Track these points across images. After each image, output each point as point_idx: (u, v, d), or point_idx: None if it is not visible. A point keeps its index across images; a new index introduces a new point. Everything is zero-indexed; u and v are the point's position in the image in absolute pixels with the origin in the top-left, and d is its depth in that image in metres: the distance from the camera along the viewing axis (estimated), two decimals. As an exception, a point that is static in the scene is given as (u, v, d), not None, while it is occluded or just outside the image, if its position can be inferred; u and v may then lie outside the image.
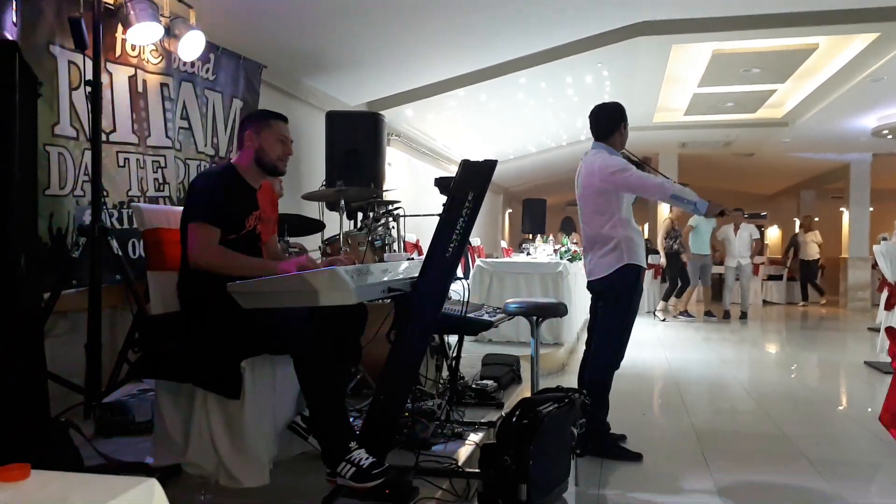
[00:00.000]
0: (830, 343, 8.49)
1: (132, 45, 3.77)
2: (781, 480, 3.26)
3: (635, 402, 4.90)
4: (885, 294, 6.73)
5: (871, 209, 13.19)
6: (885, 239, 7.10)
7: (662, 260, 9.59)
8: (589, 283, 3.64)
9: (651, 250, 11.89)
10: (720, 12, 6.21)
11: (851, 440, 4.05)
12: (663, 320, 9.75)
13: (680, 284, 9.84)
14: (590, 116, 3.71)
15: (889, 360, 1.87)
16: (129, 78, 3.79)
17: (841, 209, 14.22)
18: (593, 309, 3.78)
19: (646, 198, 3.74)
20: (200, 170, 4.33)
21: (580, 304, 8.15)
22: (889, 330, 1.88)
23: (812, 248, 12.93)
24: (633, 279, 3.50)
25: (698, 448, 3.74)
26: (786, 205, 19.04)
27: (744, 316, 10.22)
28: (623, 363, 3.78)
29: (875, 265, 9.16)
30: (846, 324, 10.37)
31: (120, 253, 3.26)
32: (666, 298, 10.04)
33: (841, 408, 5.03)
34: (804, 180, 16.57)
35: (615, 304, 3.52)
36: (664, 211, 11.87)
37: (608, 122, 3.64)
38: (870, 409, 4.60)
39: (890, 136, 10.40)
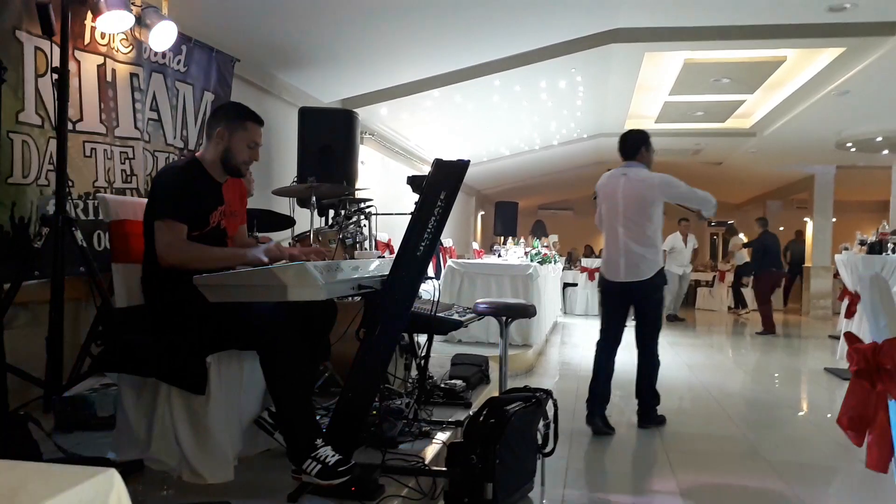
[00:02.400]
0: (792, 350, 8.67)
1: (102, 33, 3.69)
2: (743, 482, 3.32)
3: (602, 405, 4.94)
4: (845, 302, 6.89)
5: (834, 220, 13.50)
6: (846, 249, 7.26)
7: None
8: (634, 283, 4.10)
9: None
10: (693, 22, 6.31)
11: (811, 444, 4.14)
12: None
13: None
14: (619, 141, 4.33)
15: (848, 366, 1.92)
16: (98, 66, 3.72)
17: (805, 219, 14.54)
18: (618, 309, 4.24)
19: (687, 206, 4.38)
20: (169, 162, 4.27)
21: (549, 306, 8.21)
22: (848, 335, 1.93)
23: (738, 254, 12.88)
24: (665, 278, 4.27)
25: (662, 450, 3.79)
26: (752, 214, 19.37)
27: (675, 318, 10.74)
28: (590, 366, 4.02)
29: (837, 274, 9.39)
30: (808, 331, 10.60)
31: (84, 244, 3.18)
32: None
33: (801, 413, 5.14)
34: (770, 190, 16.91)
35: (655, 298, 4.20)
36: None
37: (633, 143, 4.23)
38: (829, 415, 4.71)
39: (853, 149, 10.66)
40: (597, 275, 11.44)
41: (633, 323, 4.33)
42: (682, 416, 4.76)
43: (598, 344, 4.26)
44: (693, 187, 4.20)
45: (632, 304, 4.22)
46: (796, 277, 13.74)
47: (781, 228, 17.16)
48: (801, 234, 14.37)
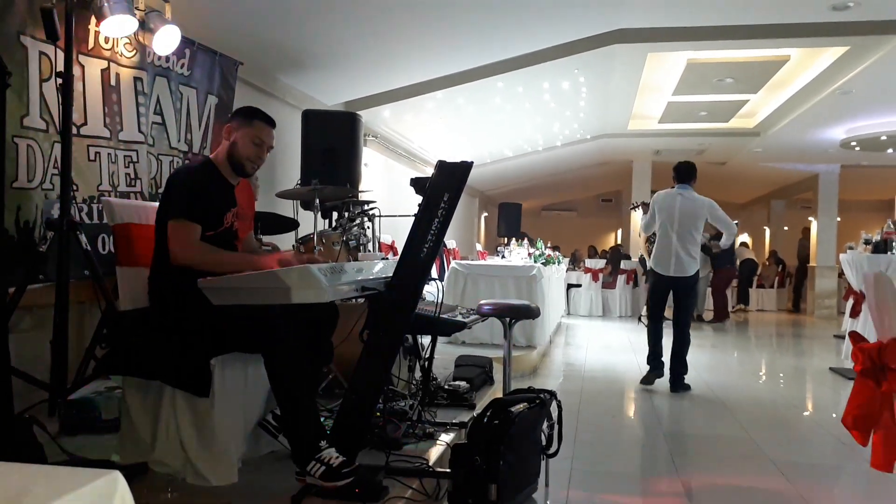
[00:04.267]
0: (797, 350, 8.64)
1: (106, 37, 3.71)
2: (747, 483, 3.31)
3: (606, 405, 4.95)
4: (850, 302, 6.87)
5: (839, 219, 13.45)
6: (851, 248, 7.23)
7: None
8: (678, 277, 5.35)
9: (624, 255, 12.01)
10: (695, 22, 6.30)
11: (816, 444, 4.13)
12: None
13: None
14: (675, 168, 5.63)
15: (853, 366, 1.92)
16: (102, 71, 3.73)
17: (809, 219, 14.51)
18: (664, 298, 5.53)
19: (718, 226, 5.64)
20: (173, 166, 4.28)
21: (553, 307, 8.20)
22: (853, 334, 1.93)
23: (742, 252, 12.93)
24: (698, 276, 5.62)
25: (667, 450, 3.79)
26: (757, 214, 19.37)
27: (699, 318, 10.64)
28: (595, 367, 4.04)
29: (842, 274, 9.36)
30: (813, 331, 10.57)
31: (89, 248, 3.19)
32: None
33: (806, 412, 5.12)
34: (775, 190, 16.87)
35: (692, 291, 5.52)
36: (636, 218, 12.07)
37: (687, 171, 5.55)
38: (834, 415, 4.70)
39: (858, 148, 10.63)
40: (600, 276, 11.58)
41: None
42: (687, 416, 4.75)
43: (649, 324, 5.60)
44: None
45: (673, 293, 5.43)
46: (804, 276, 13.73)
47: (786, 228, 17.12)
48: (806, 231, 14.36)
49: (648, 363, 5.58)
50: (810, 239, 13.94)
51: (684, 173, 5.56)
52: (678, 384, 5.32)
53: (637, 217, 11.23)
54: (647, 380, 5.43)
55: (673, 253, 5.34)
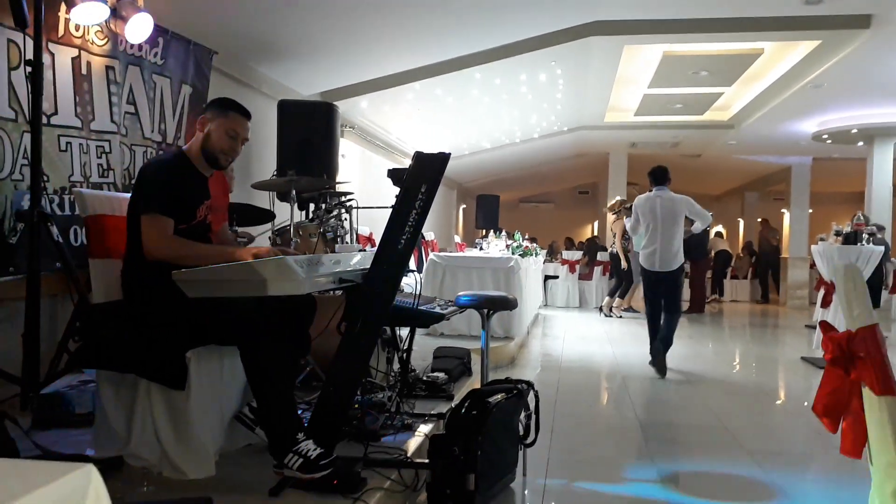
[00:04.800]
0: (770, 339, 8.78)
1: (76, 25, 3.64)
2: (721, 470, 3.37)
3: (583, 395, 4.99)
4: (822, 292, 6.99)
5: (811, 211, 13.66)
6: (822, 239, 7.35)
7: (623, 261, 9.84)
8: (663, 272, 5.77)
9: (600, 247, 12.10)
10: (671, 15, 6.35)
11: (788, 431, 4.21)
12: (608, 316, 9.94)
13: (625, 283, 10.05)
14: (650, 174, 6.02)
15: (823, 355, 1.95)
16: (73, 59, 3.66)
17: (782, 210, 14.72)
18: (656, 290, 5.89)
19: (695, 219, 5.99)
20: (147, 156, 4.22)
21: (531, 299, 8.24)
22: (823, 323, 1.96)
23: (716, 242, 13.17)
24: (684, 268, 6.09)
25: (642, 439, 3.84)
26: (731, 205, 19.61)
27: None
28: (571, 357, 4.07)
29: (813, 265, 9.53)
30: (785, 321, 10.74)
31: (60, 239, 3.14)
32: (612, 294, 10.25)
33: (779, 401, 5.22)
34: (748, 182, 17.09)
35: (677, 283, 5.91)
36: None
37: (662, 174, 5.96)
38: (806, 403, 4.79)
39: (829, 141, 10.80)
40: (577, 267, 11.66)
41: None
42: (663, 405, 4.81)
43: (648, 314, 6.01)
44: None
45: (663, 285, 5.82)
46: (768, 268, 13.95)
47: (759, 219, 17.36)
48: (766, 223, 14.58)
49: (651, 353, 5.94)
50: (770, 230, 14.14)
51: (660, 176, 6.02)
52: (659, 358, 5.66)
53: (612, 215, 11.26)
54: (659, 368, 5.73)
55: (658, 251, 5.80)
